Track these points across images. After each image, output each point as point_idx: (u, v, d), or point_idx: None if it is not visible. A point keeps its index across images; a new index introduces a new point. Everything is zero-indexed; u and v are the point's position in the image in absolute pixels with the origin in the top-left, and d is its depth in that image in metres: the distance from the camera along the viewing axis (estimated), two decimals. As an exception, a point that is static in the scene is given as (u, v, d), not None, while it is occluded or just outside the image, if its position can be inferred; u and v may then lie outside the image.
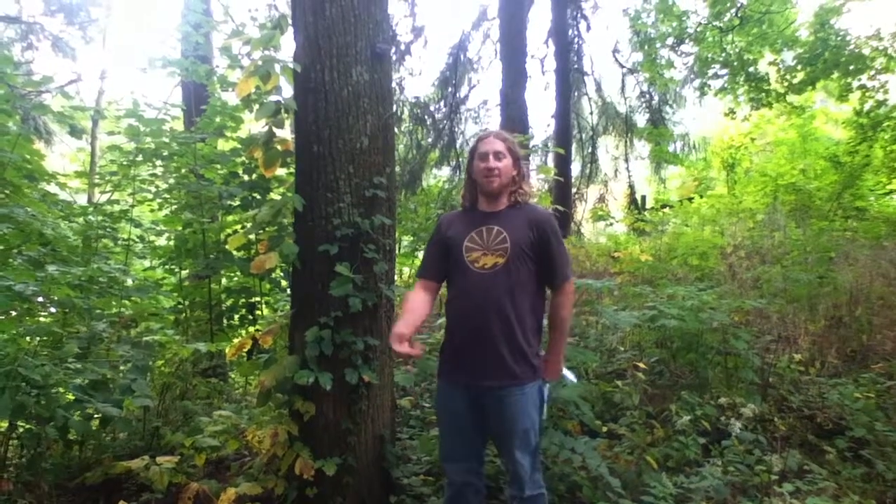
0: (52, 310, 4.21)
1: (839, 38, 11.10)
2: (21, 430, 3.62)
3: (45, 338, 3.78)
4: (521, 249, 2.82)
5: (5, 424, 3.53)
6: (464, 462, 2.97)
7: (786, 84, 12.13)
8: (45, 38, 13.31)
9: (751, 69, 12.42)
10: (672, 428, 4.14)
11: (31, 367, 3.12)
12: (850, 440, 4.25)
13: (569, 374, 3.10)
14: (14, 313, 4.10)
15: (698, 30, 12.71)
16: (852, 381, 4.92)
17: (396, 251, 4.81)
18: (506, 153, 2.91)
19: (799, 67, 11.80)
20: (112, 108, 5.69)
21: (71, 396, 3.50)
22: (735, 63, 12.43)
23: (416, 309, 2.96)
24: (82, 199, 7.21)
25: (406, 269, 8.85)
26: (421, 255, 8.64)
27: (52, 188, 5.26)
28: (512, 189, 2.95)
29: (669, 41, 13.18)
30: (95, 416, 3.56)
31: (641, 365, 4.72)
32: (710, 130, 19.22)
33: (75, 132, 5.14)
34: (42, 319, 4.12)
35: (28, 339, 3.60)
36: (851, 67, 10.94)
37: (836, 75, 11.37)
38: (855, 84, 11.21)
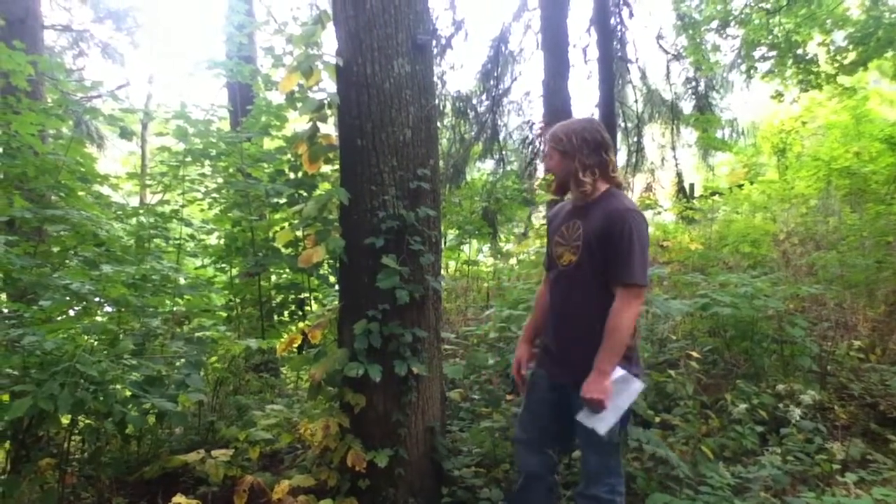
0: (108, 308, 4.31)
1: (893, 15, 10.73)
2: (82, 425, 3.72)
3: (101, 335, 3.87)
4: (591, 245, 2.68)
5: (67, 420, 3.62)
6: (536, 453, 2.95)
7: (836, 65, 11.78)
8: (95, 45, 13.69)
9: (799, 51, 12.09)
10: (728, 418, 4.05)
11: (88, 364, 3.19)
12: (916, 428, 4.12)
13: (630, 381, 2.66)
14: (72, 312, 4.21)
15: (744, 12, 12.41)
16: (916, 368, 4.77)
17: (442, 244, 4.80)
18: (551, 153, 2.81)
19: (850, 47, 11.44)
20: (160, 110, 5.80)
21: (127, 392, 3.58)
22: (783, 45, 12.10)
23: (537, 317, 3.12)
24: (135, 201, 7.37)
25: (452, 263, 8.82)
26: (466, 248, 8.68)
27: (105, 190, 5.38)
28: (576, 183, 2.78)
29: (714, 24, 12.89)
30: (151, 411, 3.64)
31: (694, 354, 4.63)
32: (760, 115, 18.75)
33: (125, 133, 5.25)
34: (98, 318, 4.21)
35: (85, 336, 3.68)
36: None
37: (890, 54, 11.00)
38: (912, 62, 10.85)
